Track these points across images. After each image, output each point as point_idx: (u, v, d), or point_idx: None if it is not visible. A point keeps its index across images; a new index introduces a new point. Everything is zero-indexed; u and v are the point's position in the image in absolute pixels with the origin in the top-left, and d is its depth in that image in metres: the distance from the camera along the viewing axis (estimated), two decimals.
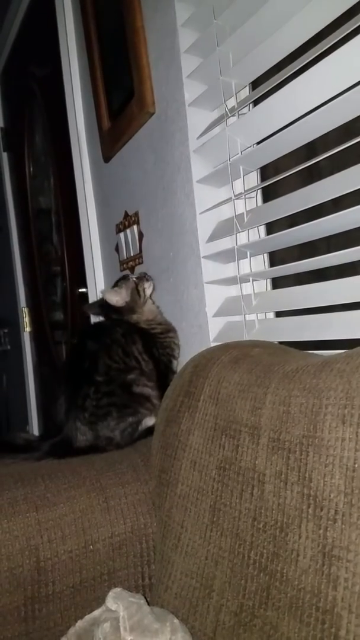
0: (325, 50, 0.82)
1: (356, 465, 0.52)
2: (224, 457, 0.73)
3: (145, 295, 1.33)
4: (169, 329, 1.32)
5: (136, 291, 1.31)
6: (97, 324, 1.42)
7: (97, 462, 1.02)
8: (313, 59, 0.84)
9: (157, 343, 1.27)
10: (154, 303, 1.37)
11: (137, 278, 1.34)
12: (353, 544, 0.52)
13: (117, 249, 1.67)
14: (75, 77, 1.79)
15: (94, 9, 1.60)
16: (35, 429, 2.73)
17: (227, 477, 0.72)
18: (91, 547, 0.88)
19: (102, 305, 1.33)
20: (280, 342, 1.02)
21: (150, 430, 1.13)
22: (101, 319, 1.38)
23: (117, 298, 1.30)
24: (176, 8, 1.16)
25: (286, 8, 0.88)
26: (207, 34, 1.08)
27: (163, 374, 1.25)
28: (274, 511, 0.62)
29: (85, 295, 1.94)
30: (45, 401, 2.63)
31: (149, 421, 1.20)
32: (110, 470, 0.99)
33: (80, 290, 2.05)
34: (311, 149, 0.97)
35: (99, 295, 1.78)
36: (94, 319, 1.56)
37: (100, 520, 0.90)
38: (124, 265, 1.62)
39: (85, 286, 1.92)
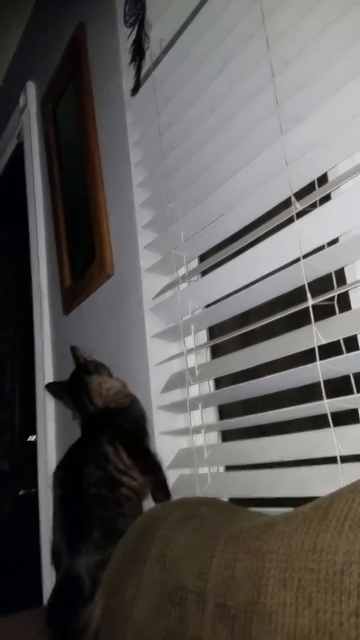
0: (258, 237, 0.97)
1: (296, 632, 0.52)
2: (169, 628, 0.69)
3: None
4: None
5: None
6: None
7: None
8: (248, 244, 0.99)
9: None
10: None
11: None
12: None
13: None
14: (41, 239, 1.95)
15: (61, 182, 1.81)
16: None
17: None
18: None
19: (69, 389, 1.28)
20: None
21: None
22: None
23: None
24: (134, 192, 1.33)
25: (227, 201, 1.05)
26: (161, 215, 1.24)
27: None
28: None
29: (34, 444, 1.89)
30: None
31: None
32: None
33: (30, 438, 2.01)
34: (246, 312, 1.08)
35: (49, 446, 1.76)
36: None
37: None
38: None
39: (35, 433, 1.89)
